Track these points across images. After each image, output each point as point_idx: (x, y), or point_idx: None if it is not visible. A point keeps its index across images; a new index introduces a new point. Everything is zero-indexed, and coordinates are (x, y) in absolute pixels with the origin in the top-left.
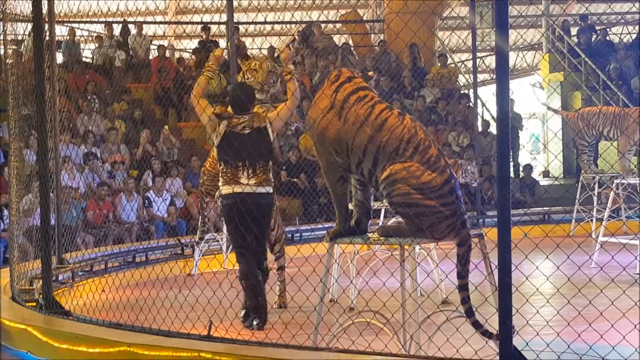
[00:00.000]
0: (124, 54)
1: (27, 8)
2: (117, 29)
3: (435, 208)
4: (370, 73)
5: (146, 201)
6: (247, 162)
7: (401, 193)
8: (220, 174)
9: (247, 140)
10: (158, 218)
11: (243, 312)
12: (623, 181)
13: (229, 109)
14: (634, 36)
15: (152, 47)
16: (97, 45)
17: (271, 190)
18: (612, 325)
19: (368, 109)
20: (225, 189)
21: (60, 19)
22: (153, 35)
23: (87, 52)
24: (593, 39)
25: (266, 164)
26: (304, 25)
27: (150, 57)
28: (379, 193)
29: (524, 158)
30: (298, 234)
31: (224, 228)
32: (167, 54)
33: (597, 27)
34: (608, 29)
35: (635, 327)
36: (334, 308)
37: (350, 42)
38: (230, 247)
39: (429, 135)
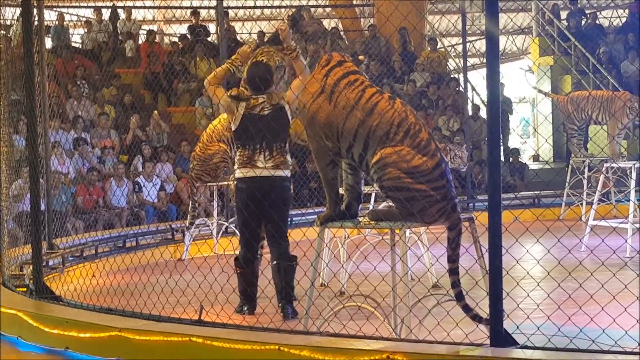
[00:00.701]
0: (132, 42)
1: None
2: (106, 14)
3: (426, 192)
4: (361, 57)
5: (136, 186)
6: (265, 145)
7: (392, 177)
8: (236, 157)
9: (266, 121)
10: (148, 203)
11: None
12: (613, 165)
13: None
14: (623, 20)
15: (141, 32)
16: (86, 30)
17: (289, 174)
18: (602, 308)
19: (358, 93)
20: (240, 172)
21: (49, 4)
22: (142, 20)
23: (77, 37)
24: (583, 22)
25: (284, 145)
26: (293, 10)
27: (140, 42)
28: (370, 177)
29: (514, 142)
30: (289, 219)
31: (214, 213)
32: (157, 38)
33: (587, 11)
34: (598, 13)
35: (624, 310)
36: (325, 292)
37: (340, 27)
38: (221, 232)
39: (419, 119)
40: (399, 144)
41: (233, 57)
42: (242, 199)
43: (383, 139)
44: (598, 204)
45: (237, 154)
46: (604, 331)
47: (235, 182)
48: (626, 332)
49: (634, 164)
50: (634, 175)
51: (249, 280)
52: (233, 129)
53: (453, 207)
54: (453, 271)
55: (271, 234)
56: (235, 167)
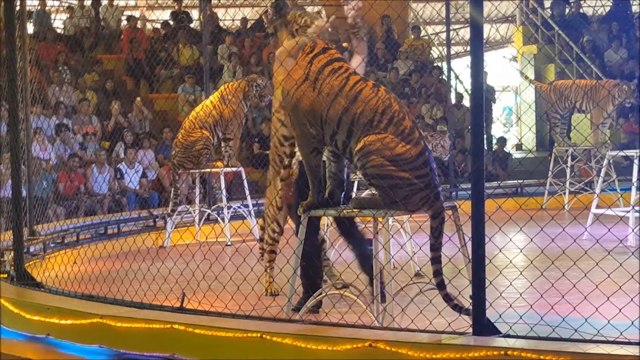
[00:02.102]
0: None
1: None
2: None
3: (409, 180)
4: (345, 44)
5: (118, 173)
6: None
7: (375, 165)
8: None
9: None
10: (130, 190)
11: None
12: (611, 153)
13: None
14: (607, 9)
15: (123, 17)
16: (68, 15)
17: None
18: (585, 298)
19: (342, 81)
20: None
21: None
22: (125, 6)
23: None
24: (566, 11)
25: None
26: None
27: (122, 28)
28: (353, 165)
29: (497, 131)
30: None
31: (196, 200)
32: (139, 24)
33: (571, 0)
34: (581, 2)
35: (607, 299)
36: None
37: (323, 14)
38: (203, 219)
39: (403, 107)
40: (382, 131)
41: (309, 29)
42: None
43: (367, 126)
44: (582, 193)
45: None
46: (586, 320)
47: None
48: (609, 321)
49: (637, 153)
50: (636, 163)
51: (318, 273)
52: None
53: (436, 195)
54: (435, 260)
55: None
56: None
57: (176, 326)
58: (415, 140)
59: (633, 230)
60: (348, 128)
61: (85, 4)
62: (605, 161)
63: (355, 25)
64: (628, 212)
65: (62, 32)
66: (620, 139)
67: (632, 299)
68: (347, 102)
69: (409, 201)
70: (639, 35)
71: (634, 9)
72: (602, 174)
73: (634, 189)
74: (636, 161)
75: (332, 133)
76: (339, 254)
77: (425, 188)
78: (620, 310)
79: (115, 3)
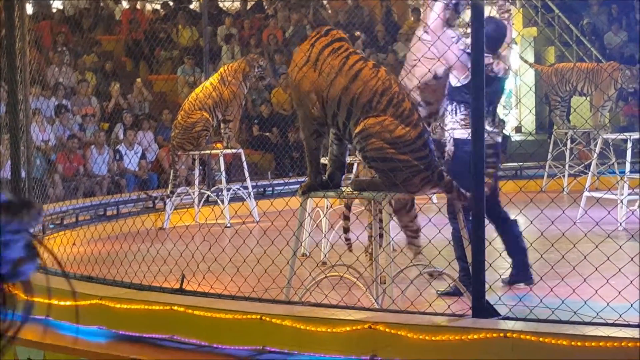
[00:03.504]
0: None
1: None
2: None
3: (409, 162)
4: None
5: (117, 154)
6: (491, 107)
7: (375, 147)
8: (463, 117)
9: (497, 83)
10: (129, 171)
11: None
12: (606, 136)
13: None
14: None
15: None
16: None
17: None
18: (585, 280)
19: (342, 60)
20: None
21: None
22: None
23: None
24: None
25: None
26: None
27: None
28: (353, 147)
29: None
30: (270, 188)
31: (196, 181)
32: (138, 5)
33: None
34: None
35: (607, 281)
36: (307, 262)
37: None
38: (202, 201)
39: (403, 89)
40: (381, 113)
41: None
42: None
43: (366, 107)
44: (582, 175)
45: (462, 113)
46: (585, 303)
47: (461, 145)
48: (608, 303)
49: (630, 136)
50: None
51: None
52: (460, 83)
53: (439, 175)
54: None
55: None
56: (458, 126)
57: (176, 308)
58: (414, 122)
59: (633, 212)
60: (347, 108)
61: None
62: (599, 143)
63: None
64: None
65: (62, 13)
66: (619, 121)
67: (631, 282)
68: (346, 81)
69: (409, 183)
70: (638, 18)
71: None
72: (595, 155)
73: (627, 170)
74: (630, 144)
75: (333, 114)
76: (339, 236)
77: (425, 169)
78: (619, 293)
79: None
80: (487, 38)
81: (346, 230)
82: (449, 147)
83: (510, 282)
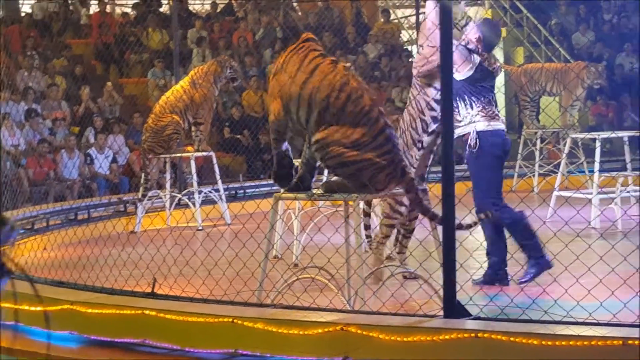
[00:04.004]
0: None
1: None
2: None
3: (371, 160)
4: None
5: (88, 158)
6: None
7: (334, 155)
8: (479, 110)
9: (493, 79)
10: (100, 175)
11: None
12: (574, 135)
13: None
14: None
15: (92, 1)
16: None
17: None
18: (555, 279)
19: (302, 56)
20: (494, 124)
21: None
22: None
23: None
24: None
25: None
26: None
27: (91, 12)
28: (311, 153)
29: None
30: (242, 191)
31: (167, 185)
32: (108, 8)
33: None
34: None
35: (576, 280)
36: (279, 264)
37: None
38: (174, 204)
39: (362, 84)
40: (340, 111)
41: None
42: (500, 153)
43: (324, 102)
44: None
45: (483, 105)
46: (556, 302)
47: (489, 136)
48: (578, 302)
49: (599, 136)
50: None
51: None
52: (480, 78)
53: (402, 170)
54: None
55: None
56: (483, 119)
57: (147, 312)
58: (374, 118)
59: (602, 212)
60: (308, 103)
61: None
62: (568, 143)
63: None
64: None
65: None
66: (588, 121)
67: (600, 280)
68: (305, 76)
69: (375, 180)
70: (606, 18)
71: None
72: (564, 154)
73: (596, 169)
74: (598, 143)
75: (296, 110)
76: (310, 238)
77: (389, 165)
78: (589, 292)
79: None
80: (484, 38)
81: (366, 227)
82: (473, 141)
83: (485, 282)
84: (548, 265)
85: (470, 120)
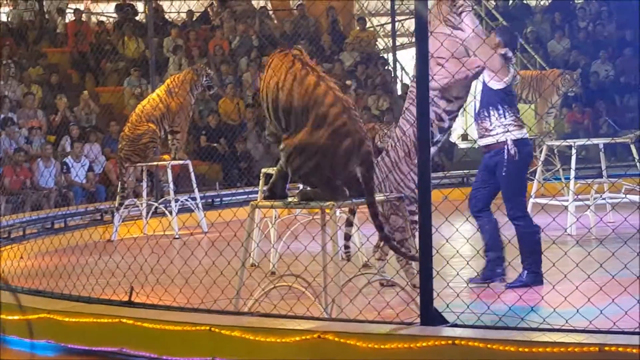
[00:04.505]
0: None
1: None
2: None
3: (325, 144)
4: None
5: (64, 167)
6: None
7: (297, 167)
8: (513, 119)
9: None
10: (76, 184)
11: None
12: (550, 143)
13: None
14: (550, 0)
15: (68, 10)
16: (12, 7)
17: None
18: (531, 286)
19: (269, 59)
20: (524, 133)
21: None
22: None
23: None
24: (510, 2)
25: None
26: None
27: (67, 21)
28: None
29: None
30: (218, 199)
31: (144, 193)
32: (84, 17)
33: None
34: None
35: (553, 287)
36: (256, 272)
37: (269, 6)
38: (150, 212)
39: (324, 79)
40: (305, 112)
41: None
42: (530, 160)
43: (287, 102)
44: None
45: (515, 114)
46: (532, 309)
47: (523, 145)
48: (554, 309)
49: (574, 143)
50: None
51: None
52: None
53: (360, 141)
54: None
55: None
56: (515, 128)
57: (124, 320)
58: (335, 113)
59: (577, 219)
60: (271, 100)
61: None
62: (544, 150)
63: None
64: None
65: (7, 26)
66: (564, 128)
67: (576, 287)
68: (268, 74)
69: (335, 162)
70: (581, 25)
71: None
72: (540, 162)
73: (572, 176)
74: (574, 150)
75: (276, 117)
76: (287, 246)
77: (345, 134)
78: (565, 299)
79: None
80: (505, 44)
81: (347, 237)
82: (512, 150)
83: (484, 279)
84: (541, 282)
85: (505, 130)
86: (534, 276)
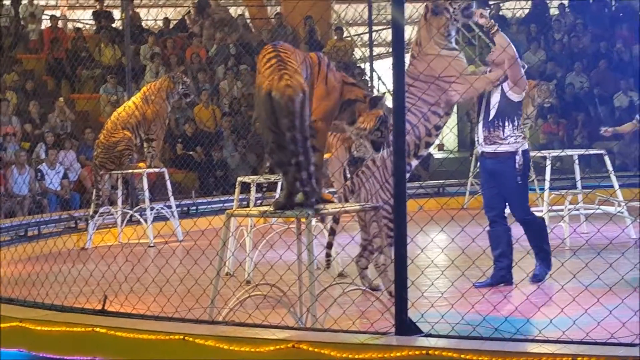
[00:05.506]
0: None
1: None
2: None
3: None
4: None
5: (39, 174)
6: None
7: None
8: (521, 130)
9: None
10: (51, 191)
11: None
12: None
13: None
14: (526, 11)
15: (44, 17)
16: None
17: None
18: (505, 297)
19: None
20: (526, 143)
21: None
22: (45, 5)
23: None
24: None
25: None
26: None
27: (43, 27)
28: None
29: None
30: (194, 207)
31: (119, 201)
32: (60, 24)
33: (491, 2)
34: (501, 4)
35: (527, 298)
36: (231, 281)
37: (247, 14)
38: (125, 221)
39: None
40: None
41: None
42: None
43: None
44: None
45: (522, 126)
46: (506, 319)
47: (527, 153)
48: (528, 320)
49: (549, 154)
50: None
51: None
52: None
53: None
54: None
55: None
56: (522, 139)
57: (97, 329)
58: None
59: (551, 230)
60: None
61: (4, 2)
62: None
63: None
64: (546, 212)
65: None
66: (539, 139)
67: (550, 298)
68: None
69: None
70: (556, 37)
71: (552, 11)
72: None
73: (546, 187)
74: (548, 161)
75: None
76: (262, 255)
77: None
78: (539, 309)
79: (35, 2)
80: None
81: (330, 245)
82: (521, 159)
83: (492, 283)
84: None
85: (516, 140)
86: (546, 264)
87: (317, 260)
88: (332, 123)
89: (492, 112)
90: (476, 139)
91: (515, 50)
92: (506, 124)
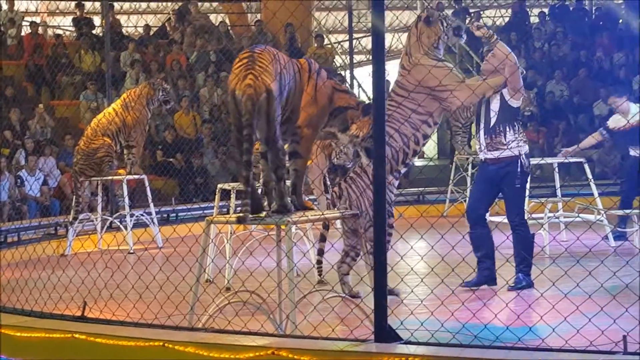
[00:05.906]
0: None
1: None
2: None
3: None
4: None
5: (18, 180)
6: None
7: None
8: (524, 135)
9: None
10: (31, 197)
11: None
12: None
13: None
14: (506, 19)
15: (24, 23)
16: None
17: None
18: (485, 304)
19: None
20: (527, 147)
21: None
22: (25, 12)
23: None
24: (466, 21)
25: None
26: (180, 3)
27: (23, 34)
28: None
29: None
30: (174, 214)
31: (99, 207)
32: (40, 30)
33: (471, 10)
34: (481, 12)
35: (506, 305)
36: (210, 288)
37: (227, 22)
38: (105, 227)
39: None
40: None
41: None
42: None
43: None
44: None
45: (522, 131)
46: (485, 326)
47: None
48: (507, 327)
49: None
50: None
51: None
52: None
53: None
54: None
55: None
56: (525, 144)
57: (77, 335)
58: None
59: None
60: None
61: None
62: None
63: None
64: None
65: None
66: None
67: (529, 305)
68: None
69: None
70: (537, 45)
71: (532, 19)
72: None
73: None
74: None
75: None
76: (242, 262)
77: None
78: (518, 317)
79: (15, 8)
80: None
81: (321, 252)
82: (526, 163)
83: (477, 283)
84: (531, 285)
85: (518, 144)
86: (529, 278)
87: (297, 267)
88: (324, 130)
89: (493, 119)
90: (477, 146)
91: (515, 58)
92: (507, 129)
